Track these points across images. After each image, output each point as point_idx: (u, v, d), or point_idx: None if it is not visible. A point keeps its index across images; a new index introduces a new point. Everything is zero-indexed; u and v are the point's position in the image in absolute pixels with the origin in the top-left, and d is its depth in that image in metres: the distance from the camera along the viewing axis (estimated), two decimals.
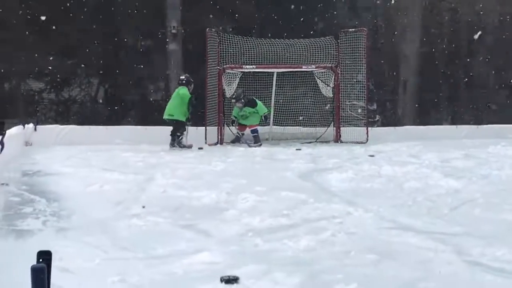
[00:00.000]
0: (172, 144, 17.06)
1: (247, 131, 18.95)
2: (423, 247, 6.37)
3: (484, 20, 30.13)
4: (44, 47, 25.21)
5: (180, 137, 17.21)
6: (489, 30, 30.00)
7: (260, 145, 18.33)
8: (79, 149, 16.04)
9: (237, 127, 19.11)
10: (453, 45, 30.52)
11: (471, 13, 30.47)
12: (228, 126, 19.17)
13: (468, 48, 31.16)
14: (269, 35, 21.90)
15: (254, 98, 18.89)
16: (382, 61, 29.06)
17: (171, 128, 17.27)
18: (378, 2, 29.68)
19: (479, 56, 30.91)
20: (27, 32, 24.76)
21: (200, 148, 17.12)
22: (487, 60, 30.53)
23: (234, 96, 18.70)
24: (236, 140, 18.88)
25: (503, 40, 29.85)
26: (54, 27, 25.06)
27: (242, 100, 18.63)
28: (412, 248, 6.37)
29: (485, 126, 22.99)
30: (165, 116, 17.32)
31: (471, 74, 30.87)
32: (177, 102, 17.28)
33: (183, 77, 17.94)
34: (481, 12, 30.16)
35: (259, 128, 19.04)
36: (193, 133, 17.88)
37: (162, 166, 12.77)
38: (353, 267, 5.66)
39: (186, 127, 17.25)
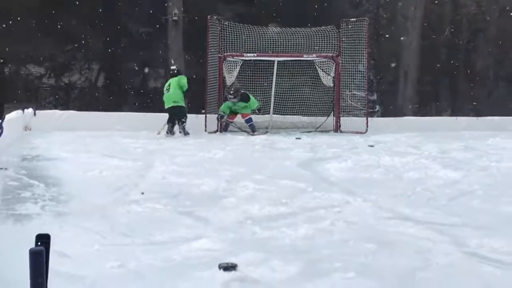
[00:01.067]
0: (170, 131, 17.09)
1: (240, 119, 18.84)
2: (421, 237, 6.37)
3: (486, 12, 30.10)
4: (45, 33, 25.17)
5: (184, 123, 17.33)
6: (490, 22, 29.97)
7: (261, 133, 18.28)
8: (78, 135, 16.04)
9: (227, 118, 18.88)
10: (454, 37, 30.50)
11: (472, 5, 30.44)
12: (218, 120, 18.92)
13: (469, 40, 31.14)
14: (272, 23, 21.87)
15: (247, 93, 18.82)
16: (383, 52, 29.06)
17: (167, 116, 17.43)
18: None
19: (480, 48, 30.90)
20: (28, 17, 24.70)
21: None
22: (488, 52, 30.52)
23: (231, 91, 18.55)
24: (226, 128, 18.75)
25: (505, 32, 29.82)
26: (54, 12, 25.00)
27: (239, 96, 18.57)
28: (410, 238, 6.38)
29: (485, 118, 22.98)
30: (170, 104, 17.36)
31: (471, 65, 30.87)
32: (178, 90, 17.43)
33: (174, 67, 18.21)
34: (483, 4, 30.12)
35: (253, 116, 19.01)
36: (193, 120, 17.92)
37: (162, 153, 12.78)
38: (351, 256, 5.66)
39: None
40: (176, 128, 17.39)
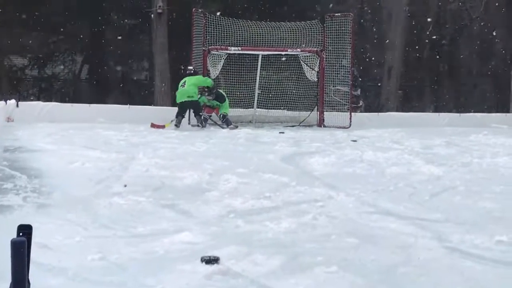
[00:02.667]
0: (179, 124, 17.41)
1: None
2: (403, 233, 6.40)
3: (470, 9, 30.24)
4: (28, 24, 25.01)
5: (202, 115, 18.02)
6: (474, 19, 30.11)
7: (237, 126, 18.23)
8: (61, 127, 15.95)
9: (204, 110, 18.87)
10: (438, 33, 30.63)
11: (456, 1, 30.57)
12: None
13: (453, 36, 31.28)
14: (256, 17, 21.85)
15: (224, 94, 18.80)
16: (367, 47, 29.13)
17: (176, 110, 17.85)
18: None
19: (464, 44, 31.05)
20: (11, 8, 24.53)
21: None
22: (471, 48, 30.67)
23: (206, 89, 18.60)
24: (204, 121, 18.68)
25: (488, 28, 29.98)
26: (38, 3, 24.85)
27: (213, 94, 18.54)
28: (393, 233, 6.40)
29: (467, 114, 23.10)
30: (184, 99, 17.66)
31: (455, 62, 31.02)
32: (193, 87, 17.80)
33: (191, 67, 18.63)
34: (467, 1, 30.26)
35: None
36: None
37: (145, 146, 12.73)
38: (333, 250, 5.67)
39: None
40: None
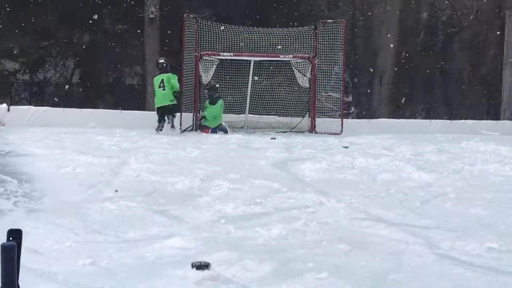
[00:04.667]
0: (161, 128, 17.29)
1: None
2: (394, 239, 6.41)
3: (461, 16, 30.36)
4: (19, 28, 24.94)
5: (174, 118, 17.79)
6: (465, 26, 30.23)
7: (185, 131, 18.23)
8: (52, 131, 15.91)
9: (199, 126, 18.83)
10: (429, 40, 30.73)
11: (447, 9, 30.69)
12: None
13: (444, 43, 31.39)
14: (250, 23, 21.87)
15: (220, 97, 18.84)
16: (359, 54, 29.20)
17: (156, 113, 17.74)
18: None
19: (454, 51, 31.16)
20: (2, 12, 24.48)
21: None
22: (462, 55, 30.77)
23: (208, 87, 18.63)
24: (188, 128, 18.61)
25: (478, 36, 30.09)
26: (30, 7, 24.80)
27: (215, 94, 18.56)
28: (383, 239, 6.41)
29: (458, 121, 23.16)
30: (165, 103, 17.51)
31: (446, 69, 31.11)
32: (169, 90, 17.56)
33: (162, 60, 18.16)
34: (458, 7, 30.38)
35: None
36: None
37: (136, 151, 12.71)
38: (324, 257, 5.68)
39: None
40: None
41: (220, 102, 18.69)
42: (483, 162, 12.99)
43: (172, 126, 17.59)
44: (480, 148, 15.93)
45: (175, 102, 17.67)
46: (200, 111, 18.95)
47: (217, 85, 18.87)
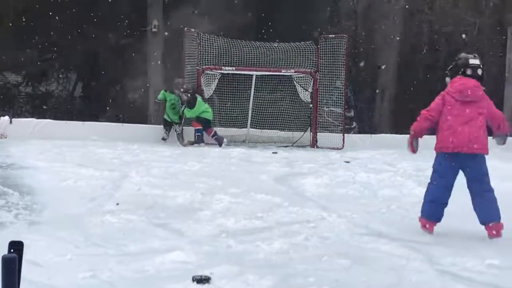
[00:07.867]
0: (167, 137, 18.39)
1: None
2: (395, 254, 6.40)
3: (463, 32, 30.37)
4: (22, 41, 25.00)
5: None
6: (467, 42, 30.25)
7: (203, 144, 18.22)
8: (54, 144, 15.91)
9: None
10: (431, 55, 30.76)
11: (450, 25, 30.71)
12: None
13: (446, 59, 31.39)
14: (250, 37, 21.91)
15: (199, 99, 18.81)
16: (361, 69, 29.23)
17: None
18: (358, 10, 29.86)
19: None
20: (6, 25, 24.55)
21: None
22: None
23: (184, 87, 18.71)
24: (199, 141, 18.55)
25: (480, 51, 30.10)
26: (33, 21, 24.87)
27: (188, 96, 18.51)
28: (384, 255, 6.40)
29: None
30: (176, 120, 18.78)
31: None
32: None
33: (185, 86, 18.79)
34: (459, 24, 30.41)
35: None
36: (170, 133, 18.01)
37: (138, 164, 12.70)
38: (325, 272, 5.67)
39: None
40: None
41: (198, 99, 18.66)
42: None
43: (180, 136, 18.32)
44: None
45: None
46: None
47: (190, 90, 18.67)
